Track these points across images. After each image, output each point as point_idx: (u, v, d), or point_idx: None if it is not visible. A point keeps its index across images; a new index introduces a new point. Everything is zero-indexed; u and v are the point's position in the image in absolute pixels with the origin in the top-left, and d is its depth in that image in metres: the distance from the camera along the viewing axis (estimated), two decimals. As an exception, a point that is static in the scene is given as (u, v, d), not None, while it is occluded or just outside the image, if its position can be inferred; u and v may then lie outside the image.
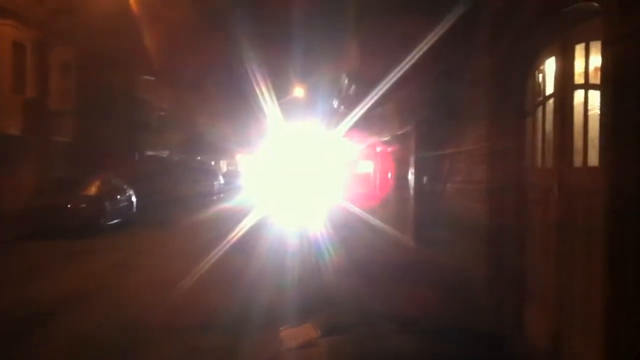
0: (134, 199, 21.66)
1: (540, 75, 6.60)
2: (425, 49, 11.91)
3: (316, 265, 11.77)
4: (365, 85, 14.14)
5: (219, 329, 7.63)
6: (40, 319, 8.17)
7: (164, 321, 7.95)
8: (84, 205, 17.37)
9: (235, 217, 20.65)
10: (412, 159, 13.08)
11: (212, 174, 37.81)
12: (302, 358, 3.40)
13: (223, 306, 8.85)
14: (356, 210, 15.94)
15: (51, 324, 7.97)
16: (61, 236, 16.18)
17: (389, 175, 16.78)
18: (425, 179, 11.70)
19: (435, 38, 11.10)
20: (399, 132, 14.70)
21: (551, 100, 6.18)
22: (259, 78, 44.62)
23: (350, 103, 16.95)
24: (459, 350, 3.39)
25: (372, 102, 15.49)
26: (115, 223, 19.13)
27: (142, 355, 6.60)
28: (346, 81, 15.77)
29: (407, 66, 12.51)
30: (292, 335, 4.06)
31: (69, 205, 17.15)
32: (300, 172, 36.97)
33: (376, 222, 18.39)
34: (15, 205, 19.64)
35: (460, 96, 9.56)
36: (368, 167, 21.60)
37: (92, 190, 18.52)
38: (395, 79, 12.72)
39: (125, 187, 21.22)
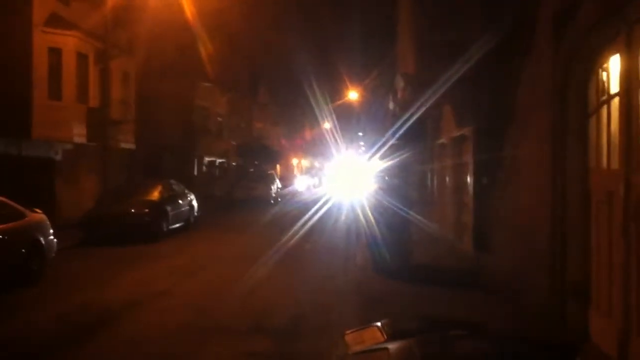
0: (194, 203, 22.06)
1: (604, 74, 6.43)
2: (483, 50, 11.79)
3: (373, 270, 11.75)
4: (421, 87, 14.06)
5: (281, 331, 7.73)
6: (101, 322, 8.43)
7: (223, 325, 8.09)
8: (146, 210, 17.75)
9: (291, 222, 20.78)
10: (470, 162, 12.93)
11: (269, 178, 38.14)
12: (371, 362, 3.40)
13: (282, 309, 8.95)
14: (411, 215, 15.83)
15: (111, 327, 8.21)
16: (124, 241, 16.60)
17: (446, 178, 16.62)
18: (485, 181, 11.55)
19: (494, 39, 10.98)
20: (456, 134, 14.56)
21: (616, 99, 6.02)
22: (314, 82, 44.86)
23: (405, 105, 16.86)
24: (528, 357, 3.34)
25: (428, 104, 15.41)
26: (177, 227, 19.50)
27: (202, 358, 6.71)
28: (402, 83, 15.71)
29: (465, 67, 12.41)
30: (357, 338, 4.05)
31: (132, 211, 17.56)
32: (353, 175, 36.98)
33: (431, 226, 18.23)
34: (80, 212, 20.28)
35: (520, 97, 9.41)
36: (422, 169, 21.43)
37: (154, 195, 18.93)
38: (452, 80, 12.63)
39: (186, 191, 21.62)
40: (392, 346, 3.40)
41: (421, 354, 3.24)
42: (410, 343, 3.41)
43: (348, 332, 4.35)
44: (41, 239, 11.91)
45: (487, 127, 11.67)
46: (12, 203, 11.65)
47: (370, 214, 12.90)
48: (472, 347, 3.46)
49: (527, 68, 8.97)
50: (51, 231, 12.52)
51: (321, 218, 23.45)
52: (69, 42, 21.54)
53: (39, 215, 12.38)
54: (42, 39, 20.79)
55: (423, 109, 16.19)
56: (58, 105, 21.20)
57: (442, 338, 3.66)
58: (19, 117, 19.69)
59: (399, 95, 19.72)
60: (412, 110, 16.67)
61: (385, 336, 3.84)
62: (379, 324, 4.16)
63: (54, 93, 21.17)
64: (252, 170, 38.63)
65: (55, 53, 21.14)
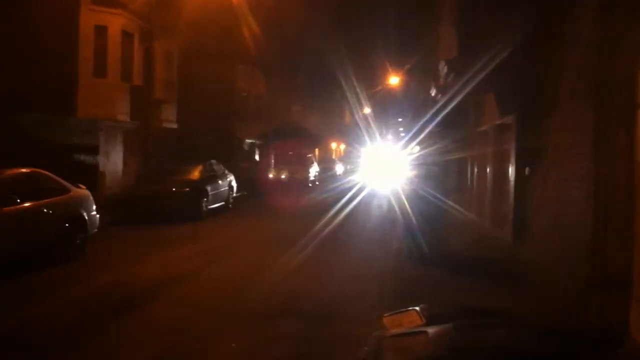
0: (234, 184, 22.28)
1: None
2: (525, 36, 11.61)
3: (408, 257, 11.74)
4: (463, 73, 13.91)
5: (314, 315, 7.79)
6: (135, 299, 8.59)
7: (255, 307, 8.17)
8: (187, 189, 17.98)
9: (328, 207, 20.83)
10: (512, 150, 12.79)
11: (308, 161, 38.25)
12: (409, 344, 3.42)
13: (315, 293, 9.01)
14: (448, 203, 15.74)
15: (145, 305, 8.36)
16: (164, 220, 16.88)
17: (486, 166, 16.45)
18: (527, 170, 11.42)
19: (536, 25, 10.81)
20: (498, 122, 14.40)
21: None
22: (353, 67, 44.64)
23: (447, 91, 16.70)
24: (566, 349, 3.32)
25: (470, 91, 15.25)
26: (216, 207, 19.73)
27: (232, 340, 6.80)
28: (445, 69, 15.54)
29: (507, 54, 12.24)
30: (395, 321, 4.07)
31: (173, 189, 17.82)
32: (390, 161, 36.83)
33: (469, 215, 18.11)
34: (121, 189, 20.67)
35: (563, 85, 9.26)
36: (461, 157, 21.27)
37: (195, 175, 19.17)
38: (495, 67, 12.48)
39: (225, 172, 21.84)
40: (430, 330, 3.42)
41: (459, 339, 3.26)
42: (448, 328, 3.43)
43: (386, 314, 4.38)
44: (84, 214, 12.20)
45: (529, 115, 11.53)
46: (56, 178, 11.94)
47: (406, 201, 12.87)
48: (510, 336, 3.46)
49: (570, 56, 8.81)
50: (94, 207, 12.81)
51: (357, 204, 23.46)
52: (115, 20, 21.85)
53: (82, 191, 12.67)
54: (89, 17, 21.12)
55: (465, 96, 16.05)
56: (103, 83, 21.54)
57: (479, 325, 3.67)
58: (65, 94, 20.08)
59: (441, 81, 19.52)
60: (453, 97, 16.53)
61: (423, 320, 3.86)
62: (417, 308, 4.18)
63: (99, 71, 21.51)
64: (291, 153, 38.72)
65: (101, 31, 21.45)
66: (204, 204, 18.53)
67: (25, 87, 18.65)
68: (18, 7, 19.33)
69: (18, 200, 10.27)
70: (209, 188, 19.11)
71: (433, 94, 22.10)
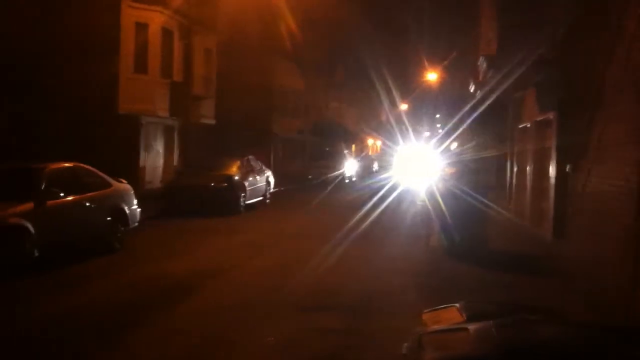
0: (271, 179, 22.40)
1: None
2: (567, 30, 11.43)
3: (446, 253, 11.66)
4: (503, 69, 13.76)
5: (351, 309, 7.80)
6: (174, 292, 8.71)
7: (292, 300, 8.20)
8: (225, 184, 18.15)
9: (364, 202, 20.78)
10: (553, 147, 12.60)
11: (345, 157, 38.25)
12: (450, 341, 3.40)
13: (352, 287, 9.01)
14: (486, 199, 15.58)
15: (183, 297, 8.46)
16: (202, 214, 17.08)
17: (526, 163, 16.24)
18: (569, 167, 11.24)
19: (579, 17, 10.62)
20: (539, 118, 14.19)
21: None
22: (391, 63, 44.45)
23: (486, 87, 16.54)
24: (608, 345, 3.27)
25: (510, 86, 15.08)
26: (253, 202, 19.88)
27: (273, 333, 6.84)
28: (484, 65, 15.40)
29: (549, 47, 12.07)
30: (435, 317, 4.06)
31: (211, 184, 18.00)
32: (427, 158, 36.57)
33: (508, 211, 17.89)
34: (160, 184, 20.97)
35: (609, 79, 9.07)
36: (500, 153, 21.02)
37: (233, 170, 19.32)
38: (535, 61, 12.32)
39: (263, 168, 21.97)
40: (471, 327, 3.40)
41: (500, 336, 3.23)
42: (489, 325, 3.40)
43: (425, 311, 4.37)
44: (125, 208, 12.40)
45: (571, 111, 11.35)
46: (98, 172, 12.17)
47: (444, 198, 12.78)
48: (551, 332, 3.42)
49: (615, 49, 8.63)
50: (135, 201, 13.01)
51: (394, 199, 23.36)
52: (155, 17, 22.14)
53: (124, 185, 12.88)
54: (130, 14, 21.44)
55: (504, 92, 15.88)
56: (143, 79, 21.86)
57: (520, 322, 3.64)
58: (106, 90, 20.42)
59: (480, 77, 19.33)
60: (492, 93, 16.37)
61: (464, 317, 3.84)
62: (457, 305, 4.16)
63: (140, 67, 21.84)
64: (328, 149, 38.74)
65: (142, 28, 21.76)
66: (241, 199, 18.67)
67: (68, 83, 19.03)
68: (62, 6, 19.73)
69: (61, 194, 10.50)
70: (246, 183, 19.26)
71: (472, 90, 21.90)
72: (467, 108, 22.38)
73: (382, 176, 38.14)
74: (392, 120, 48.57)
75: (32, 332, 6.87)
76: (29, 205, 9.81)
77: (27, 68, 18.68)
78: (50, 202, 10.16)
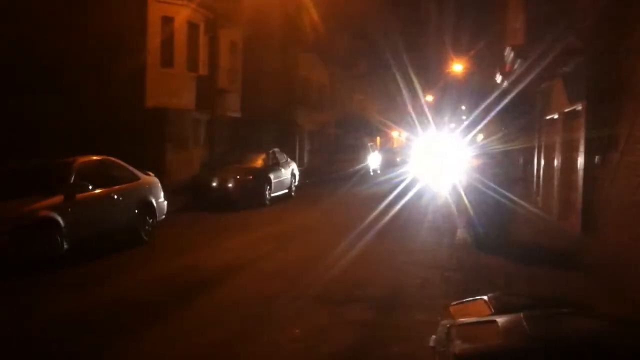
0: (296, 172, 22.46)
1: None
2: (596, 19, 11.25)
3: (473, 247, 11.58)
4: (531, 59, 13.59)
5: (380, 302, 7.80)
6: (201, 284, 8.77)
7: (320, 293, 8.21)
8: (250, 177, 18.25)
9: (388, 194, 20.72)
10: (581, 138, 12.43)
11: (368, 150, 38.15)
12: (479, 333, 3.39)
13: (380, 280, 9.01)
14: (513, 192, 15.43)
15: (211, 289, 8.54)
16: (228, 207, 17.20)
17: (553, 155, 16.05)
18: (597, 159, 11.09)
19: (608, 5, 10.45)
20: (567, 110, 14.01)
21: None
22: (416, 54, 44.18)
23: (514, 78, 16.35)
24: (635, 339, 3.24)
25: (538, 77, 14.90)
26: (279, 195, 19.95)
27: (300, 325, 6.88)
28: (511, 55, 15.21)
29: (577, 37, 11.90)
30: (463, 310, 4.05)
31: (237, 177, 18.11)
32: (452, 149, 36.32)
33: (535, 204, 17.73)
34: (186, 177, 21.12)
35: (638, 70, 8.92)
36: (527, 145, 20.83)
37: (258, 163, 19.43)
38: (563, 51, 12.15)
39: (288, 160, 22.03)
40: (500, 320, 3.38)
41: (530, 329, 3.21)
42: (518, 318, 3.38)
43: (453, 303, 4.36)
44: (153, 200, 12.54)
45: (600, 101, 11.18)
46: (126, 165, 12.31)
47: (469, 190, 12.69)
48: (580, 326, 3.39)
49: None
50: (162, 194, 13.14)
51: (417, 192, 23.28)
52: (181, 11, 22.30)
53: (151, 178, 13.02)
54: (156, 9, 21.62)
55: (532, 82, 15.69)
56: (170, 73, 22.05)
57: (550, 315, 3.61)
58: (134, 84, 20.61)
59: (507, 67, 19.13)
60: (519, 84, 16.18)
61: (492, 309, 3.82)
62: (485, 297, 4.14)
63: (166, 61, 22.02)
64: (352, 142, 38.70)
65: (168, 22, 21.92)
66: (267, 192, 18.76)
67: (96, 78, 19.23)
68: (89, 2, 19.92)
69: (90, 187, 10.64)
70: (272, 176, 19.34)
71: (498, 81, 21.69)
72: (493, 99, 22.19)
73: (405, 169, 38.03)
74: (416, 112, 48.32)
75: (61, 324, 6.98)
76: (59, 199, 9.98)
77: (55, 64, 18.91)
78: (79, 195, 10.32)
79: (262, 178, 18.71)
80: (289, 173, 21.46)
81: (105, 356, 6.01)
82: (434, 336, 3.87)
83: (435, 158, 36.82)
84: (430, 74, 48.82)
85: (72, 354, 6.03)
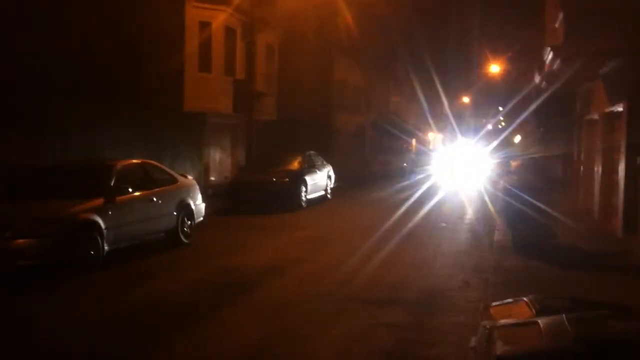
0: (332, 174, 22.50)
1: None
2: (638, 16, 11.05)
3: (511, 249, 11.43)
4: (571, 59, 13.38)
5: (418, 304, 7.77)
6: (240, 286, 8.85)
7: (357, 295, 8.22)
8: (286, 179, 18.36)
9: (425, 197, 20.64)
10: (623, 139, 12.21)
11: (405, 152, 38.06)
12: (521, 335, 3.37)
13: (417, 283, 8.97)
14: (552, 194, 15.21)
15: (250, 290, 8.62)
16: (265, 209, 17.33)
17: (594, 156, 15.78)
18: (639, 160, 10.88)
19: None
20: (608, 110, 13.77)
21: None
22: (453, 56, 43.90)
23: (552, 79, 16.13)
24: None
25: (578, 77, 14.68)
26: (315, 197, 20.01)
27: (340, 326, 6.89)
28: (550, 55, 15.01)
29: (619, 36, 11.69)
30: (504, 311, 4.02)
31: (273, 179, 18.23)
32: (488, 150, 35.99)
33: (575, 206, 17.44)
34: (224, 180, 21.33)
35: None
36: (566, 146, 20.51)
37: (295, 165, 19.54)
38: (604, 51, 11.96)
39: (324, 163, 22.09)
40: (542, 321, 3.36)
41: (573, 330, 3.18)
42: (560, 319, 3.35)
43: (493, 305, 4.33)
44: (191, 203, 12.68)
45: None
46: (166, 169, 12.51)
47: (508, 192, 12.53)
48: (623, 328, 3.35)
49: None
50: (200, 196, 13.29)
51: (455, 193, 23.14)
52: (219, 16, 22.52)
53: (189, 181, 13.18)
54: (194, 14, 21.87)
55: (571, 83, 15.47)
56: (208, 77, 22.29)
57: (592, 316, 3.57)
58: (172, 89, 20.87)
59: (546, 67, 18.88)
60: (559, 84, 15.96)
61: (533, 311, 3.79)
62: (526, 299, 4.10)
63: (204, 66, 22.28)
64: (388, 144, 38.62)
65: (205, 27, 22.16)
66: (303, 194, 18.84)
67: (135, 83, 19.51)
68: (127, 8, 20.23)
69: (130, 190, 10.82)
70: (308, 178, 19.42)
71: (536, 81, 21.42)
72: (531, 100, 21.94)
73: (444, 170, 37.73)
74: (454, 113, 48.00)
75: (106, 324, 7.13)
76: (100, 201, 10.15)
77: (96, 69, 19.24)
78: (119, 198, 10.49)
79: (298, 180, 18.80)
80: (325, 175, 21.51)
81: (153, 356, 6.10)
82: (474, 337, 3.86)
83: (468, 160, 36.51)
84: (468, 75, 48.45)
85: (119, 354, 6.14)
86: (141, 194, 11.19)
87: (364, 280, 9.08)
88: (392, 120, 45.71)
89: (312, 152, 21.65)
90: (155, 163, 12.33)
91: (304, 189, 18.96)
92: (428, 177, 34.12)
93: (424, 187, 25.57)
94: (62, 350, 6.26)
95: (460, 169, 33.14)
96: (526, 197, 11.59)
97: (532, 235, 11.22)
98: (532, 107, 21.08)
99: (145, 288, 8.89)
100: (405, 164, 36.85)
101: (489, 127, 55.18)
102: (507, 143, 34.09)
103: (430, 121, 52.48)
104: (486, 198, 20.13)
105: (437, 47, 40.46)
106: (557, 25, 16.05)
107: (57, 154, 15.37)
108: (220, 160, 24.26)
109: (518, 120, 25.89)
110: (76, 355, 6.16)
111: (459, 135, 48.18)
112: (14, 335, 6.72)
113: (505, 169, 15.56)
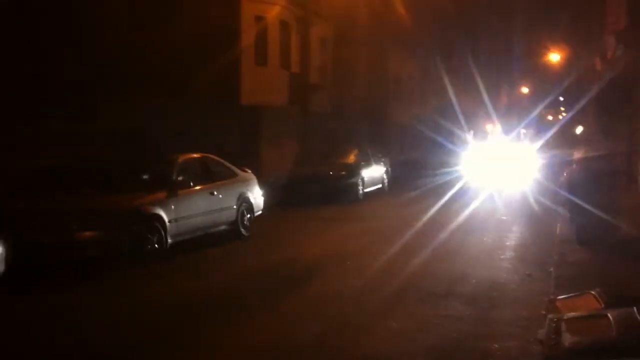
0: (388, 167, 22.43)
1: None
2: None
3: (576, 242, 11.13)
4: (635, 45, 13.00)
5: (478, 297, 7.67)
6: (298, 278, 8.93)
7: (415, 287, 8.18)
8: (343, 172, 18.39)
9: (482, 188, 20.32)
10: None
11: (462, 144, 37.50)
12: (590, 327, 3.31)
13: (477, 275, 8.84)
14: (613, 188, 14.68)
15: (310, 281, 8.70)
16: (321, 203, 17.42)
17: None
18: None
19: None
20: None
21: None
22: (510, 45, 43.04)
23: (615, 66, 15.69)
24: None
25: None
26: (372, 190, 19.98)
27: (400, 318, 6.87)
28: (612, 42, 14.61)
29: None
30: (570, 304, 3.96)
31: (330, 172, 18.29)
32: (549, 139, 35.02)
33: (638, 201, 16.88)
34: (280, 173, 21.47)
35: None
36: (633, 135, 19.87)
37: (351, 158, 19.55)
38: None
39: (380, 155, 22.03)
40: (612, 314, 3.29)
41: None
42: (631, 312, 3.28)
43: (559, 298, 4.27)
44: (250, 196, 12.82)
45: None
46: (225, 162, 12.68)
47: (571, 183, 12.23)
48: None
49: None
50: (259, 190, 13.41)
51: (513, 184, 22.68)
52: (273, 10, 22.71)
53: (249, 175, 13.33)
54: (249, 8, 22.08)
55: (636, 68, 15.02)
56: (263, 71, 22.51)
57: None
58: (229, 83, 21.12)
59: (608, 54, 18.38)
60: (622, 71, 15.52)
61: (602, 303, 3.72)
62: (593, 291, 4.03)
63: (260, 59, 22.49)
64: (444, 135, 38.12)
65: (260, 21, 22.36)
66: (360, 187, 18.84)
67: (192, 78, 19.81)
68: (184, 2, 20.55)
69: (191, 184, 11.04)
70: (364, 171, 19.42)
71: (598, 69, 20.87)
72: (592, 88, 21.39)
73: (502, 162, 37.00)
74: (513, 103, 47.13)
75: (168, 314, 7.30)
76: (162, 195, 10.39)
77: (151, 64, 19.60)
78: (181, 191, 10.71)
79: (354, 173, 18.81)
80: (381, 168, 21.45)
81: (215, 344, 6.20)
82: (541, 330, 3.81)
83: (533, 149, 35.47)
84: (528, 64, 47.43)
85: (185, 341, 6.28)
86: (202, 187, 11.39)
87: (423, 273, 9.01)
88: (449, 111, 45.15)
89: (368, 144, 21.61)
90: (215, 157, 12.52)
91: (360, 181, 18.95)
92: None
93: (482, 176, 25.08)
94: (132, 334, 6.47)
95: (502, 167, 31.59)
96: (590, 188, 11.30)
97: (596, 229, 10.91)
98: (595, 97, 20.55)
99: (207, 280, 9.06)
100: (463, 155, 36.33)
101: (549, 117, 53.96)
102: (566, 134, 33.21)
103: (490, 112, 51.56)
104: (549, 189, 19.68)
105: (496, 35, 39.73)
106: (619, 10, 15.61)
107: (117, 148, 15.80)
108: (276, 153, 24.44)
109: (581, 113, 25.21)
110: (146, 341, 6.30)
111: (523, 125, 47.14)
112: (95, 321, 7.02)
113: (567, 159, 15.13)
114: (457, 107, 47.67)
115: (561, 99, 48.09)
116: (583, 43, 31.74)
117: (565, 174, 13.46)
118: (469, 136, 46.12)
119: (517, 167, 27.49)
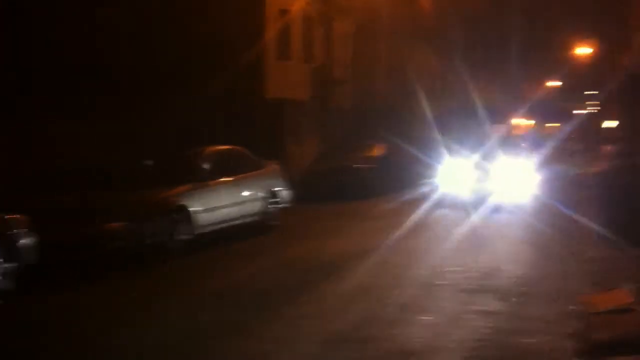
0: (412, 162, 22.27)
1: None
2: None
3: (604, 237, 10.96)
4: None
5: (509, 292, 7.56)
6: (327, 271, 8.89)
7: (446, 281, 8.15)
8: (368, 166, 18.35)
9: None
10: None
11: (486, 138, 37.21)
12: (621, 321, 3.30)
13: (507, 271, 8.71)
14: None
15: (338, 275, 8.63)
16: (344, 197, 17.31)
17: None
18: None
19: None
20: None
21: None
22: (536, 39, 42.57)
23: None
24: None
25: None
26: (395, 185, 19.86)
27: (433, 312, 6.84)
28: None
29: None
30: (602, 299, 3.96)
31: (353, 166, 18.24)
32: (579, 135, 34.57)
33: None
34: (304, 166, 21.50)
35: None
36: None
37: (376, 152, 19.50)
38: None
39: (402, 151, 21.91)
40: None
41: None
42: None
43: (592, 293, 4.26)
44: (276, 189, 12.84)
45: None
46: (251, 155, 12.73)
47: (602, 178, 12.10)
48: None
49: None
50: (285, 182, 13.40)
51: (540, 182, 22.38)
52: (297, 4, 22.71)
53: (275, 167, 13.34)
54: (273, 2, 22.09)
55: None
56: (287, 65, 22.56)
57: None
58: (253, 77, 21.17)
59: (636, 49, 18.16)
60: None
61: (634, 299, 3.70)
62: (626, 287, 4.01)
63: (284, 54, 22.52)
64: (466, 131, 37.82)
65: (284, 15, 22.39)
66: (386, 181, 18.72)
67: (216, 72, 19.88)
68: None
69: (218, 176, 11.13)
70: (387, 165, 19.31)
71: (626, 64, 20.63)
72: (619, 83, 21.16)
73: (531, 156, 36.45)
74: (540, 98, 46.64)
75: (197, 305, 7.33)
76: (189, 186, 10.48)
77: (177, 58, 19.70)
78: (208, 183, 10.80)
79: (380, 167, 18.74)
80: (404, 163, 21.30)
81: (249, 335, 6.16)
82: (573, 325, 3.81)
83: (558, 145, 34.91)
84: (555, 59, 46.85)
85: (217, 333, 6.25)
86: (228, 179, 11.45)
87: (453, 267, 8.90)
88: (472, 106, 44.80)
89: (389, 139, 21.47)
90: (242, 149, 12.57)
91: (384, 176, 18.84)
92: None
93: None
94: (163, 323, 6.56)
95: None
96: (627, 184, 11.12)
97: (630, 225, 10.71)
98: (621, 92, 20.32)
99: (235, 271, 9.12)
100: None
101: (577, 111, 53.36)
102: (597, 127, 32.74)
103: (515, 106, 51.10)
104: (581, 184, 19.36)
105: (521, 28, 39.27)
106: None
107: (144, 141, 15.94)
108: (300, 146, 24.48)
109: (604, 107, 24.91)
110: (178, 330, 6.33)
111: (551, 119, 46.47)
112: (131, 311, 7.11)
113: (593, 154, 14.99)
114: (480, 101, 47.29)
115: (587, 93, 47.59)
116: (610, 38, 31.31)
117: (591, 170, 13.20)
118: (491, 131, 45.72)
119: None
